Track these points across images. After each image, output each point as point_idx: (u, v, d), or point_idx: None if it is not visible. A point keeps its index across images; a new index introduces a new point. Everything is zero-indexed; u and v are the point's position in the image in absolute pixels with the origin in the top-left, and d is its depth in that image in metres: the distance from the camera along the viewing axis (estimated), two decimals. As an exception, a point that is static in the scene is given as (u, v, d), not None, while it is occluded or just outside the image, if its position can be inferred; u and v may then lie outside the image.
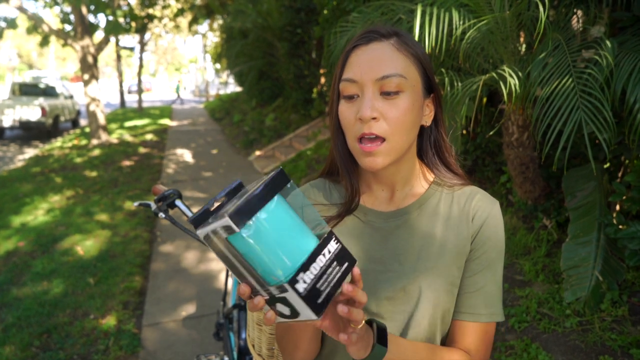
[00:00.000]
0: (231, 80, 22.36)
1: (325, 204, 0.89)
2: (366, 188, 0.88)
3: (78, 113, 14.32)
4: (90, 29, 9.30)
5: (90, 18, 9.52)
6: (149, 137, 10.99)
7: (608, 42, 2.13)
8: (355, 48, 0.77)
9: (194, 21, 16.71)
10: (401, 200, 0.86)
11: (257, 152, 8.49)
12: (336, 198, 0.89)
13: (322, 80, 8.61)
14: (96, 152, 8.81)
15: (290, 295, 0.54)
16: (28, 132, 12.12)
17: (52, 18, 18.76)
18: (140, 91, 18.57)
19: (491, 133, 3.19)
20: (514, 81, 2.31)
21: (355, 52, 0.76)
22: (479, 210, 0.83)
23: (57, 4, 9.32)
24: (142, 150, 9.17)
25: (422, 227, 0.84)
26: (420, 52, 0.78)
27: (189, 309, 3.11)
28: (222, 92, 25.19)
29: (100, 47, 9.69)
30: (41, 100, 11.53)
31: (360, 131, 0.74)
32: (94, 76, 9.38)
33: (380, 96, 0.74)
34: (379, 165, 0.75)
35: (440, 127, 0.85)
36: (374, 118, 0.73)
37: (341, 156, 0.84)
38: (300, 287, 0.54)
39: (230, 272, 2.26)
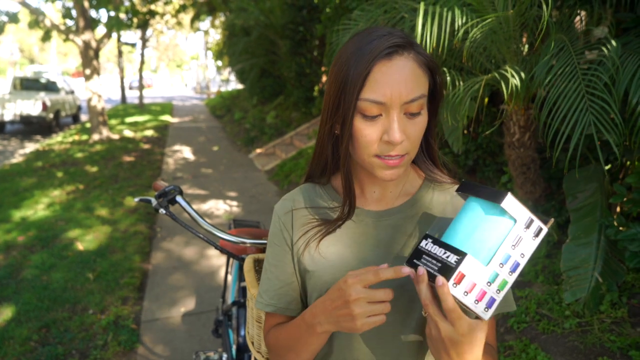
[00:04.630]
0: (232, 77, 22.34)
1: (320, 207, 0.88)
2: (358, 190, 0.88)
3: (79, 108, 14.31)
4: (92, 24, 9.29)
5: (92, 13, 9.50)
6: (149, 133, 10.99)
7: (614, 42, 2.13)
8: (378, 63, 0.72)
9: (196, 18, 16.69)
10: (393, 199, 0.86)
11: (258, 150, 8.48)
12: (327, 201, 0.89)
13: (324, 78, 8.60)
14: (97, 147, 8.81)
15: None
16: (29, 127, 12.12)
17: (54, 13, 18.73)
18: (141, 87, 18.55)
19: (488, 132, 3.19)
20: (515, 81, 2.31)
21: (379, 68, 0.72)
22: None
23: (59, -2, 9.30)
24: (142, 146, 9.16)
25: (415, 225, 0.84)
26: (434, 67, 0.78)
27: (188, 306, 3.11)
28: (223, 89, 25.18)
29: (101, 41, 9.68)
30: (42, 95, 11.53)
31: (386, 152, 0.74)
32: (96, 71, 9.37)
33: (404, 116, 0.74)
34: (399, 176, 0.78)
35: (432, 132, 0.86)
36: (402, 141, 0.74)
37: (347, 163, 0.81)
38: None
39: (229, 269, 2.26)
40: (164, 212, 1.47)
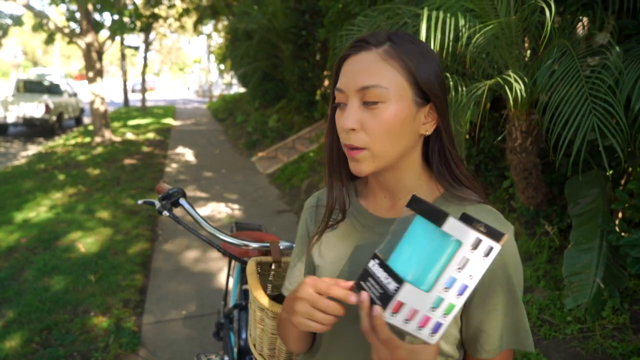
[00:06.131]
0: (235, 81, 22.42)
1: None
2: (370, 193, 0.88)
3: (82, 111, 14.36)
4: (95, 27, 9.33)
5: (96, 16, 9.55)
6: (152, 136, 11.02)
7: (617, 47, 2.13)
8: (348, 57, 0.78)
9: (199, 21, 16.75)
10: (403, 208, 0.83)
11: (260, 153, 8.50)
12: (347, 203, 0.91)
13: (326, 82, 8.62)
14: (99, 150, 8.83)
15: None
16: (32, 129, 12.15)
17: (57, 16, 18.83)
18: (144, 90, 18.62)
19: (499, 138, 3.19)
20: (519, 86, 2.31)
21: (347, 61, 0.78)
22: None
23: (63, 1, 9.35)
24: (144, 149, 9.18)
25: None
26: (412, 60, 0.75)
27: (190, 308, 3.11)
28: (225, 92, 25.24)
29: (105, 44, 9.72)
30: (45, 97, 11.57)
31: (344, 140, 0.78)
32: (99, 74, 9.41)
33: (364, 106, 0.75)
34: (363, 171, 0.77)
35: (444, 137, 0.81)
36: (353, 129, 0.75)
37: (334, 160, 0.86)
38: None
39: (231, 272, 2.26)
40: (167, 214, 1.47)
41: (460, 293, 0.62)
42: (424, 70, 0.76)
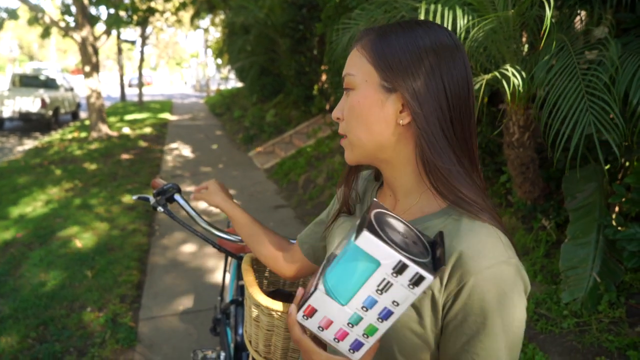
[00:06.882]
0: (232, 75, 22.34)
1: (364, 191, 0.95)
2: (383, 191, 0.85)
3: (78, 105, 14.28)
4: (91, 21, 9.27)
5: (92, 10, 9.48)
6: (148, 130, 10.97)
7: (613, 42, 2.13)
8: None
9: (196, 15, 16.65)
10: (403, 211, 0.77)
11: (257, 148, 8.48)
12: (368, 191, 0.92)
13: (324, 77, 8.58)
14: (96, 145, 8.79)
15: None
16: (28, 124, 12.09)
17: (53, 9, 18.70)
18: (141, 85, 18.53)
19: (495, 133, 3.18)
20: (517, 81, 2.30)
21: None
22: (466, 264, 0.63)
23: (58, -5, 9.29)
24: (141, 143, 9.15)
25: None
26: (382, 45, 0.71)
27: (186, 304, 3.11)
28: (222, 87, 25.16)
29: (101, 38, 9.66)
30: (41, 91, 11.50)
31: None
32: (95, 68, 9.35)
33: (345, 93, 0.78)
34: (347, 158, 0.79)
35: (417, 132, 0.69)
36: (338, 118, 0.78)
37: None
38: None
39: (228, 267, 2.26)
40: (161, 210, 1.46)
41: (384, 317, 0.57)
42: (390, 53, 0.70)
